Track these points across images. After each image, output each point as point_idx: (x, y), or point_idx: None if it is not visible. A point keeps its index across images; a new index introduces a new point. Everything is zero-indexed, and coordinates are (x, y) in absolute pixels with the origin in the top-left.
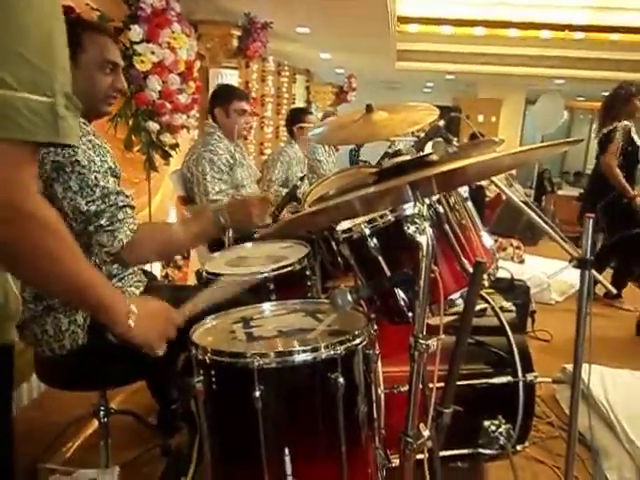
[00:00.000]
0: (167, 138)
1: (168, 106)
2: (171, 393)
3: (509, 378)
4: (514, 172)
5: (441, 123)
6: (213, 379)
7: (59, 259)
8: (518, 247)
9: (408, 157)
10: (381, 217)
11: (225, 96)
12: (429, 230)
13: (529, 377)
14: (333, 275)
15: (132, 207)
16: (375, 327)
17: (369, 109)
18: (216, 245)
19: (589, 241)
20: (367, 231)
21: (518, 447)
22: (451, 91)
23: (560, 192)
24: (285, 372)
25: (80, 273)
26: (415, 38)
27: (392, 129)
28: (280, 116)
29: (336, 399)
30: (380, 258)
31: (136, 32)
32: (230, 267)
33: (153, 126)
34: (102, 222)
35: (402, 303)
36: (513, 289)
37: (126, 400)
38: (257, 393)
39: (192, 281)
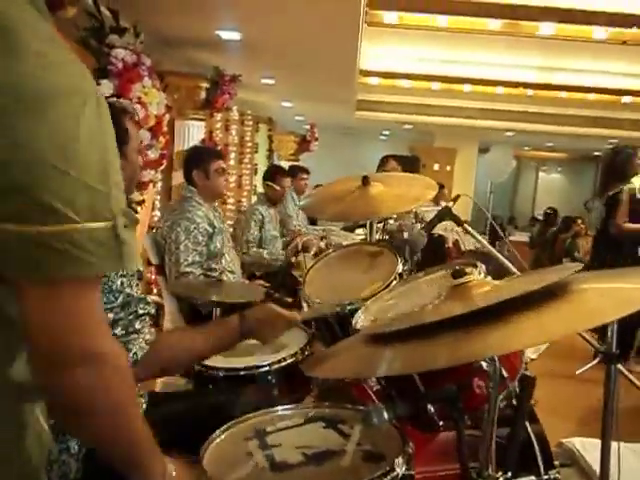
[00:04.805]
0: (133, 195)
1: None
2: None
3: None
4: (468, 219)
5: (450, 204)
6: None
7: (124, 406)
8: None
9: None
10: None
11: (203, 156)
12: None
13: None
14: None
15: (152, 316)
16: (412, 445)
17: (365, 181)
18: (192, 317)
19: (614, 333)
20: None
21: None
22: (407, 140)
23: (511, 238)
24: None
25: (135, 424)
26: (375, 89)
27: (392, 206)
28: (242, 165)
29: None
30: None
31: (107, 87)
32: (226, 358)
33: None
34: (116, 332)
35: (432, 411)
36: None
37: None
38: None
39: None
